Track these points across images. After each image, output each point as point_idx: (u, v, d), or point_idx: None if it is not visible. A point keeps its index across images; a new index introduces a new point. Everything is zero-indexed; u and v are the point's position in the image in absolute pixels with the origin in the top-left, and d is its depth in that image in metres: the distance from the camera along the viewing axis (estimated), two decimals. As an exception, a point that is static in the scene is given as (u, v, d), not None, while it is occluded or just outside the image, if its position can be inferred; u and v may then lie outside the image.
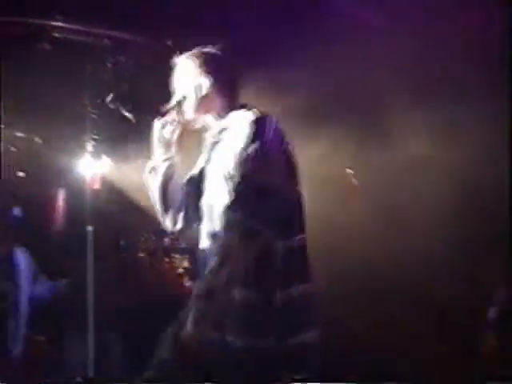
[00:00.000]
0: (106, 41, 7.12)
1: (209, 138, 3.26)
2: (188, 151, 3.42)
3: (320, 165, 6.88)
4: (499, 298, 6.60)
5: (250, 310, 2.96)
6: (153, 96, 7.33)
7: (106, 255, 7.24)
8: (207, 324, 2.86)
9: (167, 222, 3.43)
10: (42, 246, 7.31)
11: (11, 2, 6.50)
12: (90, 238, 6.82)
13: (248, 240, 2.92)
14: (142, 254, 7.81)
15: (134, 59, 7.23)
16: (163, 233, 7.95)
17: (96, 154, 7.22)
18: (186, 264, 8.05)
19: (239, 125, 3.07)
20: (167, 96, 7.14)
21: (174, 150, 3.29)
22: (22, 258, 5.54)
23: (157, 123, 3.28)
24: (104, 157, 7.35)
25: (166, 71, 7.22)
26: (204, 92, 3.23)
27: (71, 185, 7.45)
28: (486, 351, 6.35)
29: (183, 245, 7.96)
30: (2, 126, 7.04)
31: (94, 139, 7.19)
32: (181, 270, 8.05)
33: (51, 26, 6.90)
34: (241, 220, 2.93)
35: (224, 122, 3.19)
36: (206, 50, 3.35)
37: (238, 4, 6.62)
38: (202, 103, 3.25)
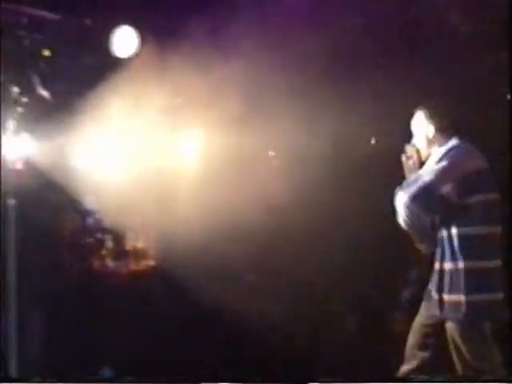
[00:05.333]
0: (23, 18, 7.01)
1: (431, 163, 4.62)
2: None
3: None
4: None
5: None
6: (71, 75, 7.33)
7: (29, 235, 7.14)
8: None
9: None
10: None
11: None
12: (12, 217, 6.78)
13: None
14: (65, 233, 7.75)
15: (52, 37, 7.12)
16: (87, 212, 7.93)
17: (17, 134, 7.14)
18: (109, 244, 8.02)
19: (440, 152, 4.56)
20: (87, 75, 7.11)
21: (416, 173, 4.64)
22: None
23: (403, 157, 4.73)
24: (26, 136, 7.28)
25: (83, 49, 7.27)
26: (431, 135, 4.63)
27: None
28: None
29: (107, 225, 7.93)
30: None
31: (15, 119, 7.12)
32: (104, 251, 8.03)
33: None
34: None
35: (439, 150, 4.59)
36: (433, 103, 4.69)
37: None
38: (430, 141, 4.66)
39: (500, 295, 4.42)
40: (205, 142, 7.74)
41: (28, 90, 7.19)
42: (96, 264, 7.94)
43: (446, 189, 4.41)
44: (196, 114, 7.35)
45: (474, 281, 4.36)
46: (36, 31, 7.07)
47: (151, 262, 8.37)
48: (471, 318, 4.36)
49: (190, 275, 7.53)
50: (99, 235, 8.11)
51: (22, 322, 6.76)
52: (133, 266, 8.27)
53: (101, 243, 8.10)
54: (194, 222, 7.36)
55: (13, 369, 6.47)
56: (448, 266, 4.44)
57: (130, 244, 8.35)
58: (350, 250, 7.40)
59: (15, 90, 7.09)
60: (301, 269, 7.59)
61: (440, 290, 4.49)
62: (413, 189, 4.46)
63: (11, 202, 6.79)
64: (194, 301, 7.74)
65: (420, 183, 4.46)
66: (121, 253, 8.26)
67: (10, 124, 7.05)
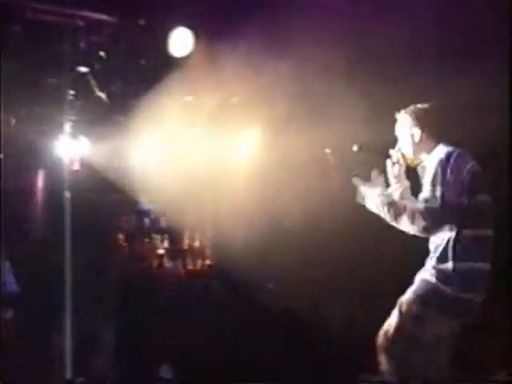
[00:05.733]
0: (80, 21, 7.05)
1: (421, 169, 4.40)
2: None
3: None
4: None
5: None
6: (127, 77, 7.36)
7: (86, 236, 7.20)
8: None
9: None
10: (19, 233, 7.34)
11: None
12: (68, 217, 6.86)
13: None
14: (122, 234, 7.81)
15: (108, 40, 7.14)
16: (144, 213, 7.98)
17: (74, 135, 7.21)
18: (166, 244, 8.05)
19: (435, 159, 4.25)
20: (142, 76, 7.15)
21: (402, 180, 4.46)
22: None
23: (388, 163, 4.45)
24: (82, 138, 7.33)
25: (139, 51, 7.28)
26: (417, 139, 4.35)
27: (50, 166, 7.44)
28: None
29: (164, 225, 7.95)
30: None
31: (72, 120, 7.18)
32: (161, 251, 8.05)
33: (23, 6, 6.85)
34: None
35: (430, 157, 4.30)
36: (419, 106, 4.41)
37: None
38: (417, 147, 4.38)
39: (480, 297, 4.25)
40: (260, 141, 7.68)
41: (85, 92, 7.23)
42: (153, 264, 7.98)
43: (459, 197, 4.24)
44: (251, 114, 7.30)
45: (461, 280, 4.14)
46: (92, 34, 7.09)
47: (208, 262, 8.38)
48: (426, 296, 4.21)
49: (248, 274, 7.51)
50: (156, 235, 8.15)
51: (78, 322, 6.82)
52: (190, 265, 8.30)
53: (158, 243, 8.13)
54: (250, 220, 7.33)
55: (69, 370, 6.54)
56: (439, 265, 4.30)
57: (186, 243, 8.38)
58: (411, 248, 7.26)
59: (72, 92, 7.14)
60: (365, 266, 7.50)
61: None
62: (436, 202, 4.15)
63: (68, 203, 6.86)
64: (254, 299, 7.72)
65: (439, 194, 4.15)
66: (178, 252, 8.29)
67: (68, 126, 7.13)
